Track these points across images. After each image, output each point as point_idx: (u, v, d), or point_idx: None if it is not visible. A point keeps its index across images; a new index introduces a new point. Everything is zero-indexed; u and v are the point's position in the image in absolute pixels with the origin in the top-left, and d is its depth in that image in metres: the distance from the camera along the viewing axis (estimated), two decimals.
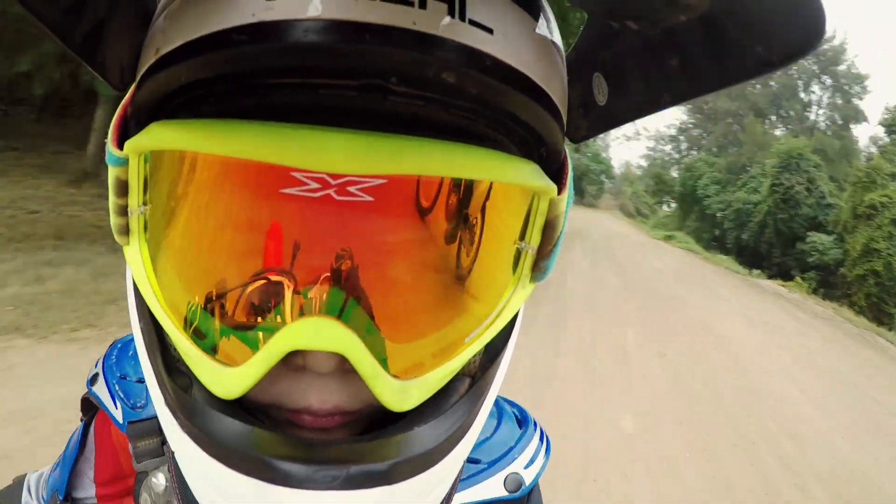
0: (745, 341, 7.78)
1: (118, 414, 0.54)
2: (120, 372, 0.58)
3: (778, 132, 35.89)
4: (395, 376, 0.32)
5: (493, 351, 0.38)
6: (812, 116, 36.18)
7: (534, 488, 0.55)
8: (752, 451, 4.36)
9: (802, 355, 7.67)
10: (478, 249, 0.34)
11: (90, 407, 0.61)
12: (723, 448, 4.30)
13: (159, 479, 0.48)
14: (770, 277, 17.23)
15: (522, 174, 0.32)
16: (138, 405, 0.54)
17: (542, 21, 0.32)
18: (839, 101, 34.84)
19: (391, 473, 0.30)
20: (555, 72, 0.33)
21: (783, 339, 8.44)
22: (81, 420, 0.63)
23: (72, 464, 0.58)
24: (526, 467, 0.53)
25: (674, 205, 38.65)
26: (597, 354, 5.89)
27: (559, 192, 0.35)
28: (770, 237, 22.63)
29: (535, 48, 0.31)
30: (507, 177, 0.32)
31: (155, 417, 0.46)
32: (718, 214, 26.72)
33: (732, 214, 25.81)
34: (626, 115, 0.35)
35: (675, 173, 42.49)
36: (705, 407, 5.05)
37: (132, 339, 0.56)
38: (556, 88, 0.33)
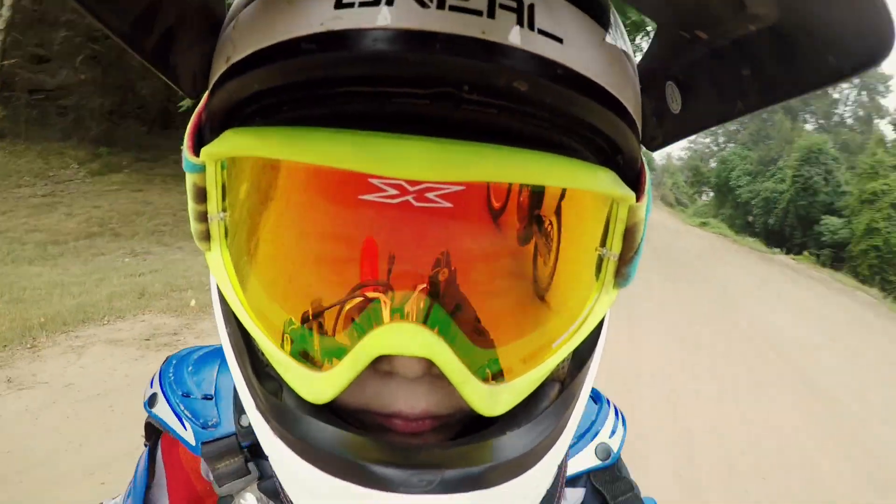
0: (738, 283, 10.28)
1: (188, 435, 0.50)
2: (182, 390, 0.55)
3: (809, 126, 38.21)
4: (484, 381, 0.32)
5: (581, 357, 0.38)
6: (840, 111, 38.80)
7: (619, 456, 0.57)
8: (729, 334, 6.70)
9: (781, 295, 10.08)
10: (559, 256, 0.34)
11: (154, 431, 0.57)
12: (705, 336, 6.40)
13: (249, 501, 0.46)
14: (788, 254, 20.51)
15: (600, 181, 0.32)
16: (210, 424, 0.51)
17: (611, 30, 0.32)
18: (865, 99, 37.03)
19: (486, 477, 0.30)
20: (627, 80, 0.32)
21: (771, 286, 10.93)
22: (146, 445, 0.58)
23: (143, 494, 0.53)
24: (610, 437, 0.56)
25: (711, 194, 41.61)
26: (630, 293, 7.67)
27: (638, 199, 0.34)
28: (792, 221, 25.61)
29: (605, 57, 0.31)
30: (585, 184, 0.31)
31: (232, 435, 0.48)
32: (752, 202, 30.14)
33: (762, 202, 28.63)
34: (701, 123, 0.35)
35: (713, 164, 45.30)
36: (690, 310, 7.52)
37: (187, 354, 0.58)
38: (629, 97, 0.33)
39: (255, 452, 0.47)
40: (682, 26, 0.32)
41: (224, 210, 0.34)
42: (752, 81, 0.30)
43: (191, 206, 0.35)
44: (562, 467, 0.49)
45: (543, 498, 0.46)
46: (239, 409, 0.49)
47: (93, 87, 10.69)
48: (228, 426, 0.50)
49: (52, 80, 10.27)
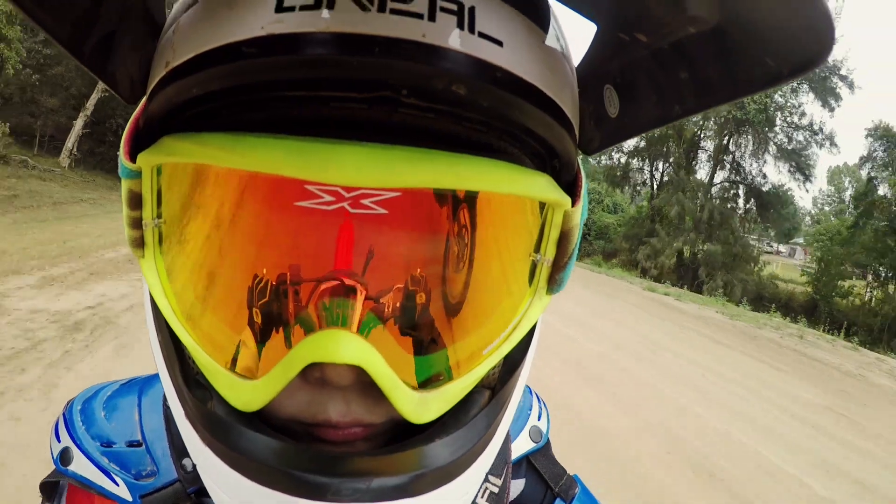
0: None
1: (122, 492, 0.44)
2: (101, 440, 0.48)
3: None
4: (413, 388, 0.32)
5: (512, 363, 0.37)
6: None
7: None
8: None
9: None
10: (493, 262, 0.34)
11: (52, 493, 0.49)
12: None
13: None
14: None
15: (535, 186, 0.32)
16: (144, 473, 0.45)
17: (551, 33, 0.32)
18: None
19: (414, 486, 0.30)
20: (565, 83, 0.32)
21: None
22: None
23: None
24: (538, 420, 0.57)
25: None
26: None
27: (573, 204, 0.34)
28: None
29: (545, 60, 0.30)
30: (520, 189, 0.31)
31: (175, 482, 0.44)
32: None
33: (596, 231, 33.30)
34: (638, 126, 0.35)
35: None
36: None
37: (93, 396, 0.51)
38: (567, 100, 0.33)
39: (202, 495, 0.43)
40: (622, 29, 0.32)
41: (159, 216, 0.33)
42: (691, 85, 0.30)
43: (125, 212, 0.34)
44: (508, 466, 0.49)
45: (495, 496, 0.46)
46: (179, 452, 0.45)
47: None
48: (168, 473, 0.46)
49: None
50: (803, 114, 21.03)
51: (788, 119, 21.19)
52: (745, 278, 19.59)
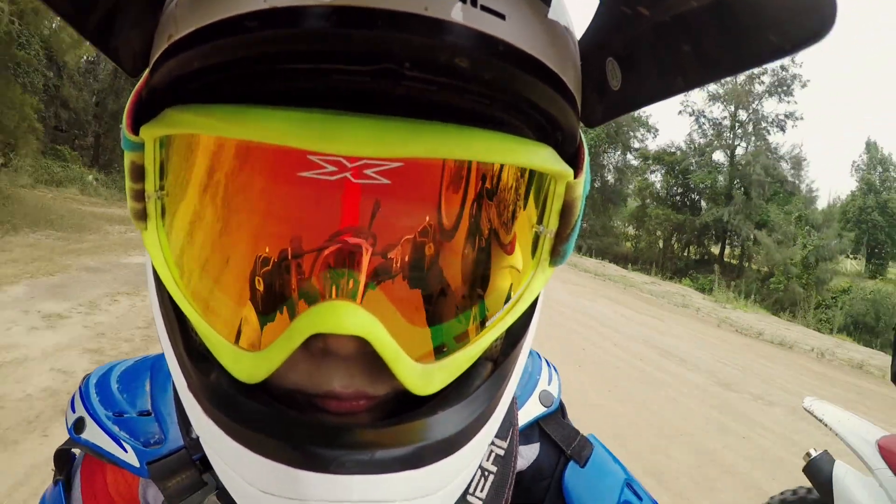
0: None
1: (130, 458, 0.45)
2: (113, 409, 0.49)
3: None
4: (416, 360, 0.31)
5: (515, 335, 0.37)
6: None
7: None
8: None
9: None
10: (496, 233, 0.33)
11: (66, 462, 0.52)
12: None
13: None
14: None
15: (538, 158, 0.32)
16: (153, 441, 0.46)
17: (554, 6, 0.31)
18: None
19: (416, 457, 0.30)
20: (568, 56, 0.32)
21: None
22: (56, 481, 0.51)
23: None
24: (549, 384, 0.57)
25: None
26: None
27: (576, 176, 0.34)
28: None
29: (547, 33, 0.30)
30: (522, 160, 0.31)
31: (181, 449, 0.44)
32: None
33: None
34: (641, 99, 0.34)
35: None
36: None
37: (108, 371, 0.52)
38: (570, 73, 0.32)
39: (207, 464, 0.42)
40: (625, 2, 0.31)
41: (161, 188, 0.33)
42: (693, 58, 0.30)
43: (128, 184, 0.33)
44: (514, 428, 0.49)
45: (501, 459, 0.46)
46: (187, 421, 0.45)
47: None
48: (176, 441, 0.46)
49: None
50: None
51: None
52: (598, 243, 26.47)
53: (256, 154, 0.30)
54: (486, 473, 0.46)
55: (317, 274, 0.30)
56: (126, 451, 0.46)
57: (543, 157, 0.32)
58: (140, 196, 0.33)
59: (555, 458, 0.53)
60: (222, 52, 0.28)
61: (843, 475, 1.85)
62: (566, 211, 0.35)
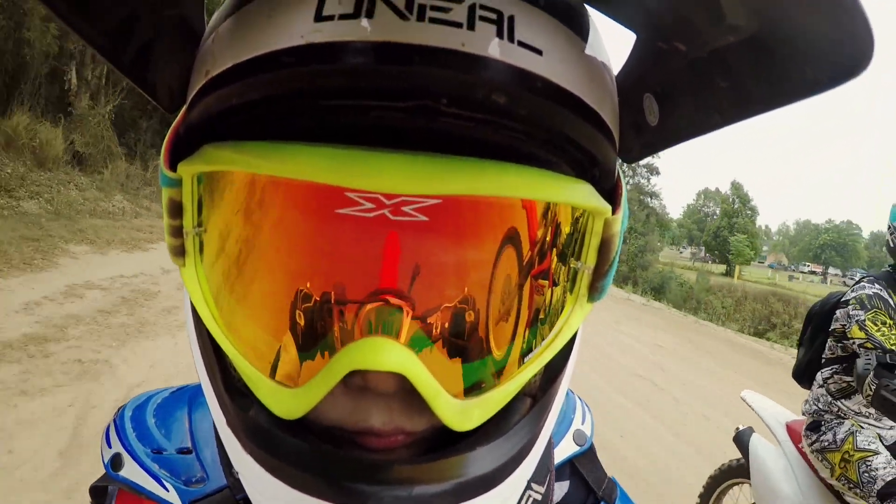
0: None
1: (172, 497, 0.44)
2: (151, 446, 0.48)
3: None
4: (455, 396, 0.31)
5: (553, 371, 0.36)
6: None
7: None
8: None
9: None
10: (534, 270, 0.33)
11: (103, 498, 0.49)
12: None
13: None
14: None
15: (576, 194, 0.31)
16: (195, 480, 0.45)
17: (591, 42, 0.31)
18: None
19: (455, 494, 0.29)
20: (606, 92, 0.32)
21: None
22: None
23: None
24: (582, 423, 0.56)
25: None
26: None
27: (613, 212, 0.34)
28: None
29: (585, 69, 0.30)
30: (560, 197, 0.30)
31: (224, 489, 0.43)
32: None
33: None
34: (679, 135, 0.34)
35: None
36: None
37: (144, 403, 0.52)
38: (608, 109, 0.32)
39: (250, 501, 0.43)
40: (661, 38, 0.31)
41: (199, 225, 0.33)
42: (730, 94, 0.29)
43: (166, 220, 0.33)
44: (551, 475, 0.48)
45: (541, 500, 0.45)
46: (229, 459, 0.43)
47: None
48: (218, 480, 0.45)
49: None
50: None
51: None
52: None
53: (293, 191, 0.30)
54: None
55: (356, 311, 0.30)
56: (168, 491, 0.45)
57: (581, 194, 0.32)
58: (178, 232, 0.33)
59: (583, 497, 0.52)
60: (259, 88, 0.28)
61: (757, 445, 2.39)
62: (604, 247, 0.34)
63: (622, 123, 0.35)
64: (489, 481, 0.31)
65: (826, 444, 2.08)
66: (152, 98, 0.33)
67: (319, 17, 0.26)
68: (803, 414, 2.24)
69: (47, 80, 10.20)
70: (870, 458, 1.93)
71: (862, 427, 2.04)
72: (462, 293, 0.31)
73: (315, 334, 0.31)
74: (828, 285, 48.79)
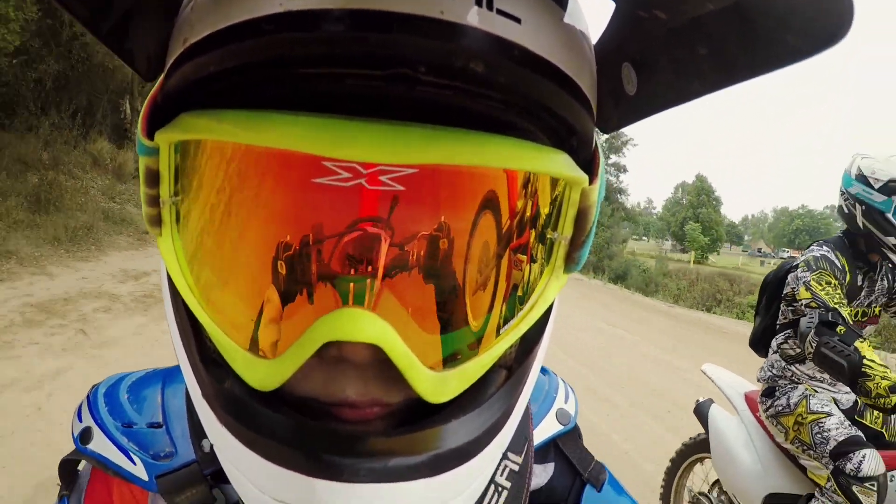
0: None
1: (139, 470, 0.44)
2: (122, 420, 0.48)
3: None
4: (431, 367, 0.31)
5: (529, 342, 0.36)
6: None
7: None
8: None
9: None
10: (510, 240, 0.33)
11: (72, 476, 0.50)
12: None
13: None
14: None
15: (554, 164, 0.31)
16: (163, 454, 0.45)
17: (570, 10, 0.30)
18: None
19: (431, 465, 0.29)
20: (584, 61, 0.31)
21: None
22: (62, 497, 0.49)
23: None
24: (566, 402, 0.56)
25: None
26: None
27: (591, 182, 0.33)
28: None
29: (563, 38, 0.29)
30: (538, 166, 0.30)
31: (192, 463, 0.43)
32: None
33: None
34: (657, 104, 0.33)
35: None
36: None
37: (118, 381, 0.51)
38: (586, 78, 0.31)
39: (218, 478, 0.43)
40: (641, 5, 0.31)
41: (176, 194, 0.32)
42: (710, 61, 0.29)
43: (143, 189, 0.33)
44: (529, 444, 0.48)
45: (515, 474, 0.45)
46: (198, 433, 0.45)
47: None
48: (187, 454, 0.45)
49: None
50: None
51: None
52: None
53: (271, 159, 0.30)
54: (500, 489, 0.45)
55: (331, 281, 0.29)
56: (135, 464, 0.45)
57: (559, 164, 0.32)
58: (154, 201, 0.33)
59: (570, 481, 0.52)
60: (237, 56, 0.27)
61: (716, 416, 2.45)
62: (581, 217, 0.34)
63: (600, 93, 0.35)
64: (465, 453, 0.31)
65: (780, 408, 2.09)
66: (130, 66, 0.33)
67: None
68: (758, 381, 2.25)
69: (109, 111, 12.96)
70: (822, 420, 1.94)
71: (816, 391, 2.05)
72: (437, 262, 0.31)
73: (291, 304, 0.30)
74: None
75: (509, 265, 0.33)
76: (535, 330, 0.36)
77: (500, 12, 0.27)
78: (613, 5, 0.33)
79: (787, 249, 79.38)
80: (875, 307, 2.04)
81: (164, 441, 0.47)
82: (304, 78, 0.28)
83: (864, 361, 1.67)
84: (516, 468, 0.46)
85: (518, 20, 0.27)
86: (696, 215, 53.04)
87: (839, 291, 1.88)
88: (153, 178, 0.33)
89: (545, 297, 0.35)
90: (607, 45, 0.35)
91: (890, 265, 2.01)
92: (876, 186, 1.90)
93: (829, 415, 1.96)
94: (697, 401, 2.60)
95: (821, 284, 1.89)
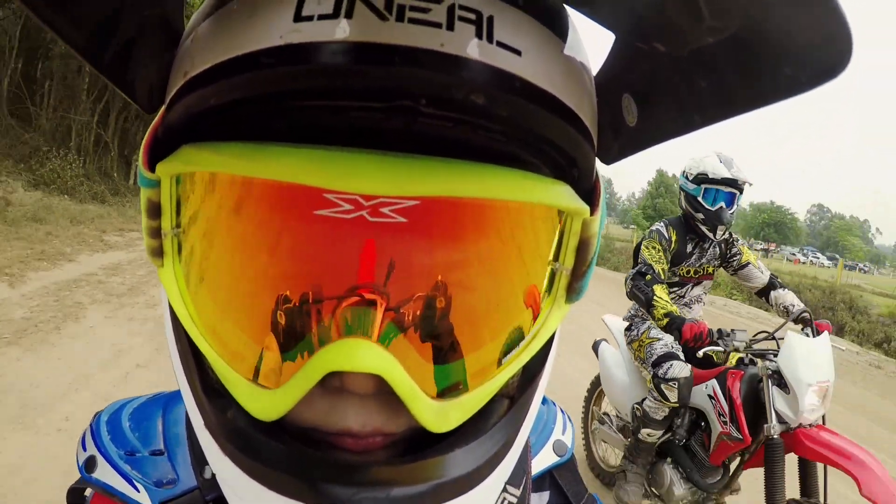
0: None
1: (142, 497, 0.45)
2: (124, 448, 0.49)
3: None
4: (433, 397, 0.31)
5: (531, 372, 0.36)
6: None
7: None
8: None
9: None
10: (512, 271, 0.33)
11: (78, 502, 0.51)
12: None
13: None
14: None
15: (555, 195, 0.31)
16: (165, 481, 0.46)
17: (570, 42, 0.31)
18: None
19: (433, 495, 0.29)
20: (584, 93, 0.31)
21: None
22: None
23: None
24: (563, 434, 0.57)
25: None
26: None
27: (592, 213, 0.33)
28: None
29: (563, 69, 0.30)
30: (539, 198, 0.30)
31: (194, 489, 0.43)
32: None
33: None
34: (657, 136, 0.33)
35: None
36: None
37: (119, 409, 0.52)
38: (586, 109, 0.32)
39: (220, 502, 0.43)
40: (640, 38, 0.31)
41: (178, 226, 0.32)
42: (710, 94, 0.29)
43: (144, 221, 0.33)
44: (527, 477, 0.49)
45: (516, 503, 0.45)
46: (199, 460, 0.45)
47: None
48: (188, 481, 0.45)
49: None
50: None
51: None
52: None
53: (272, 192, 0.29)
54: None
55: (333, 313, 0.29)
56: (138, 491, 0.45)
57: (560, 195, 0.31)
58: (156, 233, 0.33)
59: None
60: (238, 89, 0.27)
61: (604, 349, 3.18)
62: (582, 248, 0.34)
63: (601, 124, 0.35)
64: (467, 482, 0.31)
65: (633, 337, 2.87)
66: (131, 98, 0.32)
67: (299, 18, 0.26)
68: (624, 320, 3.04)
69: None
70: (654, 344, 2.71)
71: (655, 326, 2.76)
72: (440, 294, 0.31)
73: (293, 335, 0.30)
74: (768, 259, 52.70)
75: (510, 296, 0.33)
76: (536, 360, 0.36)
77: (500, 44, 0.27)
78: (613, 37, 0.33)
79: (760, 242, 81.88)
80: (707, 267, 2.81)
81: (166, 468, 0.47)
82: (305, 110, 0.28)
83: (654, 298, 2.44)
84: (514, 500, 0.46)
85: (518, 52, 0.27)
86: (654, 205, 57.33)
87: (661, 255, 2.65)
88: (155, 210, 0.32)
89: (547, 327, 0.35)
90: (607, 76, 0.35)
91: (724, 236, 2.75)
92: (690, 178, 2.71)
93: (658, 339, 2.73)
94: (595, 341, 3.31)
95: (648, 249, 2.67)
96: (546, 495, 0.53)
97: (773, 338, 2.49)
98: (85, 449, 0.50)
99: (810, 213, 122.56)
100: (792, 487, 2.27)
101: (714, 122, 0.29)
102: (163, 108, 0.33)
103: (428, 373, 0.31)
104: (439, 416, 0.31)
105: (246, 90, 0.27)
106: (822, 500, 2.22)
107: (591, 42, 0.36)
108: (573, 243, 0.34)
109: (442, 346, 0.32)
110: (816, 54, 0.23)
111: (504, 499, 0.46)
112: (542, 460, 0.54)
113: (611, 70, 0.35)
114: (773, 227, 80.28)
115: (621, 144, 0.36)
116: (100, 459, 0.48)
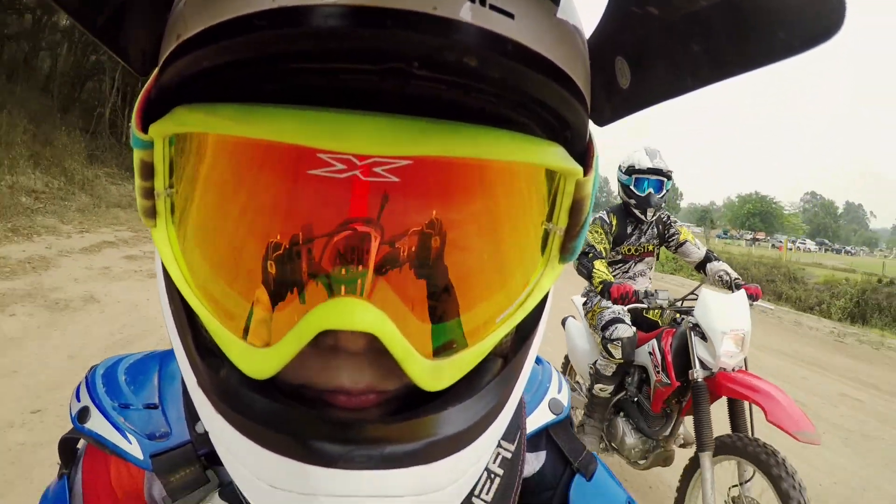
0: None
1: (134, 449, 0.45)
2: (119, 400, 0.48)
3: None
4: (426, 356, 0.31)
5: (524, 331, 0.37)
6: None
7: None
8: None
9: None
10: (506, 231, 0.33)
11: (71, 455, 0.50)
12: None
13: None
14: None
15: (548, 156, 0.31)
16: (158, 434, 0.46)
17: (562, 5, 0.30)
18: None
19: (426, 453, 0.29)
20: (577, 55, 0.31)
21: None
22: (61, 475, 0.50)
23: None
24: (558, 393, 0.57)
25: None
26: None
27: (585, 174, 0.34)
28: None
29: (556, 32, 0.29)
30: (532, 158, 0.30)
31: (187, 443, 0.43)
32: None
33: None
34: (650, 98, 0.34)
35: None
36: None
37: (116, 363, 0.52)
38: (579, 72, 0.31)
39: (212, 460, 0.43)
40: (634, 2, 0.31)
41: (171, 186, 0.32)
42: (703, 56, 0.29)
43: (137, 182, 0.33)
44: (522, 432, 0.49)
45: (508, 462, 0.46)
46: (193, 416, 0.46)
47: None
48: (181, 435, 0.46)
49: None
50: None
51: None
52: None
53: (265, 152, 0.30)
54: (493, 476, 0.46)
55: (326, 263, 0.29)
56: (130, 443, 0.45)
57: (553, 155, 0.32)
58: (149, 194, 0.33)
59: (560, 469, 0.53)
60: (230, 52, 0.27)
61: (570, 324, 3.53)
62: (575, 209, 0.34)
63: (594, 87, 0.35)
64: (461, 441, 0.31)
65: (589, 308, 3.20)
66: (124, 61, 0.32)
67: None
68: (582, 296, 3.37)
69: None
70: (604, 311, 3.05)
71: None
72: (431, 251, 0.31)
73: (285, 293, 0.30)
74: (753, 247, 52.97)
75: (503, 256, 0.33)
76: (530, 319, 0.36)
77: (492, 7, 0.27)
78: (607, 1, 0.33)
79: (750, 232, 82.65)
80: (648, 245, 3.15)
81: (159, 421, 0.47)
82: (298, 73, 0.28)
83: (593, 270, 2.78)
84: (509, 455, 0.47)
85: (511, 15, 0.27)
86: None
87: (602, 237, 3.04)
88: (147, 171, 0.32)
89: (540, 286, 0.35)
90: (601, 38, 0.35)
91: (663, 219, 3.14)
92: (623, 170, 3.07)
93: (608, 308, 3.08)
94: (563, 318, 3.64)
95: (591, 233, 3.04)
96: (542, 455, 0.54)
97: (696, 296, 2.78)
98: (79, 400, 0.50)
99: (803, 200, 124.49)
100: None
101: (707, 83, 0.30)
102: (156, 70, 0.33)
103: (421, 331, 0.31)
104: (433, 374, 0.31)
105: (239, 53, 0.27)
106: (750, 433, 2.49)
107: (585, 5, 0.35)
108: (567, 204, 0.34)
109: (435, 305, 0.32)
110: (809, 17, 0.23)
111: (498, 454, 0.47)
112: (538, 418, 0.54)
113: (604, 33, 0.35)
114: (759, 216, 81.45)
115: (614, 106, 0.36)
116: (93, 410, 0.48)
